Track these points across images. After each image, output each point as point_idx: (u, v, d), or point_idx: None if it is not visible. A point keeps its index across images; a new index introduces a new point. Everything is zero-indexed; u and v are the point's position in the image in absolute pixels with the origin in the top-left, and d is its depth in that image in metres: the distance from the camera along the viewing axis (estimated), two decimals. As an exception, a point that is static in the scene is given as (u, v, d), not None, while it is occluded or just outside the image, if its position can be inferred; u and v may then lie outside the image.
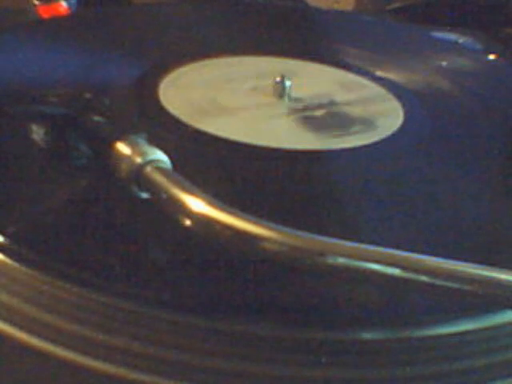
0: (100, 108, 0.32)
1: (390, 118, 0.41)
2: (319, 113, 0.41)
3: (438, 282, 0.25)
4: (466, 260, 0.25)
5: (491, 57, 0.52)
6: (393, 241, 0.31)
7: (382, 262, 0.25)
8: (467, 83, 0.47)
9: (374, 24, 0.58)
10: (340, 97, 0.43)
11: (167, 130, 0.37)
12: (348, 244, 0.25)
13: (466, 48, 0.56)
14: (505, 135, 0.42)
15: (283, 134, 0.39)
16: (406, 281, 0.25)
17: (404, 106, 0.42)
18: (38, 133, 0.32)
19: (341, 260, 0.25)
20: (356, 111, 0.42)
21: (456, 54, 0.52)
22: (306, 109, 0.41)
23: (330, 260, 0.25)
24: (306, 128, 0.39)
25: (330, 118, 0.41)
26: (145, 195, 0.29)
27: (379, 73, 0.46)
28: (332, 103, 0.42)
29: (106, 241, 0.30)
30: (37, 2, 0.55)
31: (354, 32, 0.53)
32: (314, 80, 0.45)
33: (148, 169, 0.28)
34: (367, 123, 0.40)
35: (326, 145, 0.38)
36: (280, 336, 0.27)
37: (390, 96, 0.43)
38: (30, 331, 0.27)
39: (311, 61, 0.47)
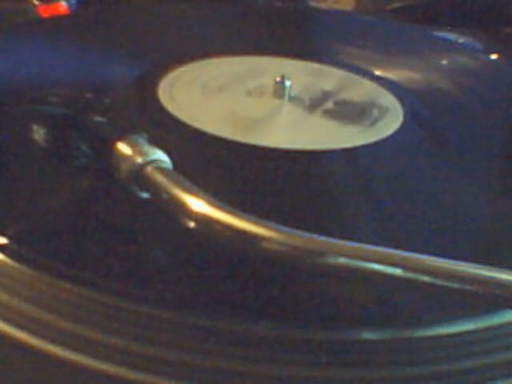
0: (100, 108, 0.32)
1: (389, 117, 0.41)
2: (333, 107, 0.41)
3: (438, 282, 0.25)
4: (466, 260, 0.25)
5: (493, 56, 0.52)
6: (393, 241, 0.31)
7: (382, 261, 0.25)
8: (467, 83, 0.47)
9: (374, 24, 0.58)
10: (340, 97, 0.43)
11: (167, 129, 0.37)
12: (348, 244, 0.25)
13: (466, 48, 0.56)
14: (505, 135, 0.42)
15: (326, 133, 0.39)
16: (406, 281, 0.25)
17: (404, 106, 0.42)
18: (38, 133, 0.32)
19: (341, 260, 0.25)
20: (355, 110, 0.42)
21: (456, 53, 0.52)
22: (315, 106, 0.41)
23: (330, 260, 0.25)
24: (340, 122, 0.40)
25: (347, 109, 0.41)
26: (145, 195, 0.29)
27: (379, 73, 0.46)
28: (334, 102, 0.42)
29: (107, 241, 0.30)
30: (37, 2, 0.55)
31: (354, 32, 0.53)
32: (314, 80, 0.45)
33: (148, 169, 0.28)
34: (381, 108, 0.41)
35: (373, 135, 0.38)
36: (280, 336, 0.27)
37: (390, 96, 0.43)
38: (30, 331, 0.27)
39: (311, 61, 0.47)
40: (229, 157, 0.36)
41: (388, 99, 0.43)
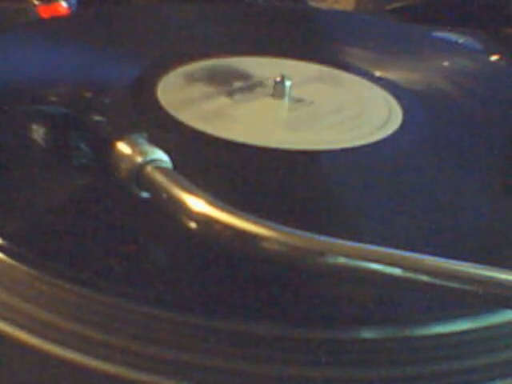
0: (100, 107, 0.32)
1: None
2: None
3: (438, 282, 0.25)
4: (466, 260, 0.25)
5: (493, 58, 0.52)
6: (393, 240, 0.31)
7: (382, 261, 0.25)
8: (467, 83, 0.47)
9: (374, 24, 0.58)
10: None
11: (167, 129, 0.37)
12: (348, 244, 0.25)
13: (466, 48, 0.56)
14: (505, 135, 0.42)
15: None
16: (406, 281, 0.25)
17: (404, 105, 0.42)
18: (38, 132, 0.32)
19: (341, 260, 0.25)
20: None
21: (456, 54, 0.52)
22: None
23: (330, 260, 0.25)
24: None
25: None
26: (145, 195, 0.29)
27: (379, 73, 0.46)
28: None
29: (106, 240, 0.30)
30: (37, 2, 0.55)
31: (354, 32, 0.53)
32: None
33: (148, 168, 0.28)
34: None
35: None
36: (280, 336, 0.27)
37: (390, 96, 0.43)
38: (30, 331, 0.27)
39: (311, 61, 0.47)
40: (229, 157, 0.36)
41: (388, 99, 0.43)
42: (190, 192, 0.27)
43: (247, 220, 0.25)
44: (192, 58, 0.45)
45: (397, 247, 0.25)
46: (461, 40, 0.57)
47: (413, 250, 0.25)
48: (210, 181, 0.31)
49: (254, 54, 0.47)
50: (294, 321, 0.27)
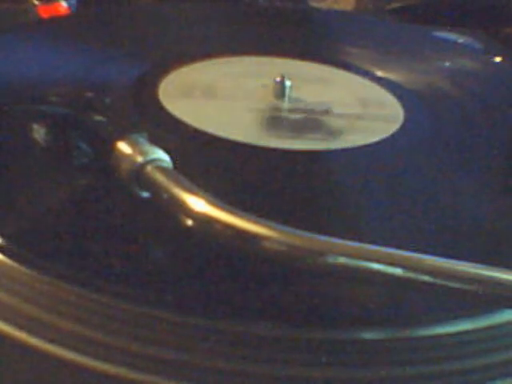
0: (100, 107, 0.32)
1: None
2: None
3: (438, 282, 0.25)
4: (466, 260, 0.25)
5: (497, 59, 0.52)
6: (393, 240, 0.31)
7: (382, 261, 0.25)
8: (467, 83, 0.47)
9: (374, 24, 0.58)
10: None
11: (167, 129, 0.37)
12: (348, 243, 0.25)
13: (466, 48, 0.56)
14: (505, 135, 0.42)
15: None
16: (406, 281, 0.25)
17: (404, 105, 0.42)
18: (38, 132, 0.32)
19: (341, 260, 0.25)
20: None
21: (456, 53, 0.52)
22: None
23: (331, 260, 0.25)
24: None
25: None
26: (145, 194, 0.29)
27: (379, 73, 0.46)
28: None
29: (106, 241, 0.30)
30: (37, 2, 0.55)
31: (354, 32, 0.53)
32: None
33: (148, 168, 0.28)
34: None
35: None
36: (280, 336, 0.27)
37: (390, 96, 0.43)
38: (30, 331, 0.27)
39: (311, 61, 0.47)
40: (229, 157, 0.36)
41: (388, 99, 0.43)
42: (191, 192, 0.27)
43: (247, 220, 0.25)
44: (192, 58, 0.45)
45: (397, 247, 0.25)
46: (461, 40, 0.57)
47: (413, 250, 0.25)
48: (210, 181, 0.31)
49: (254, 53, 0.47)
50: (294, 321, 0.27)
